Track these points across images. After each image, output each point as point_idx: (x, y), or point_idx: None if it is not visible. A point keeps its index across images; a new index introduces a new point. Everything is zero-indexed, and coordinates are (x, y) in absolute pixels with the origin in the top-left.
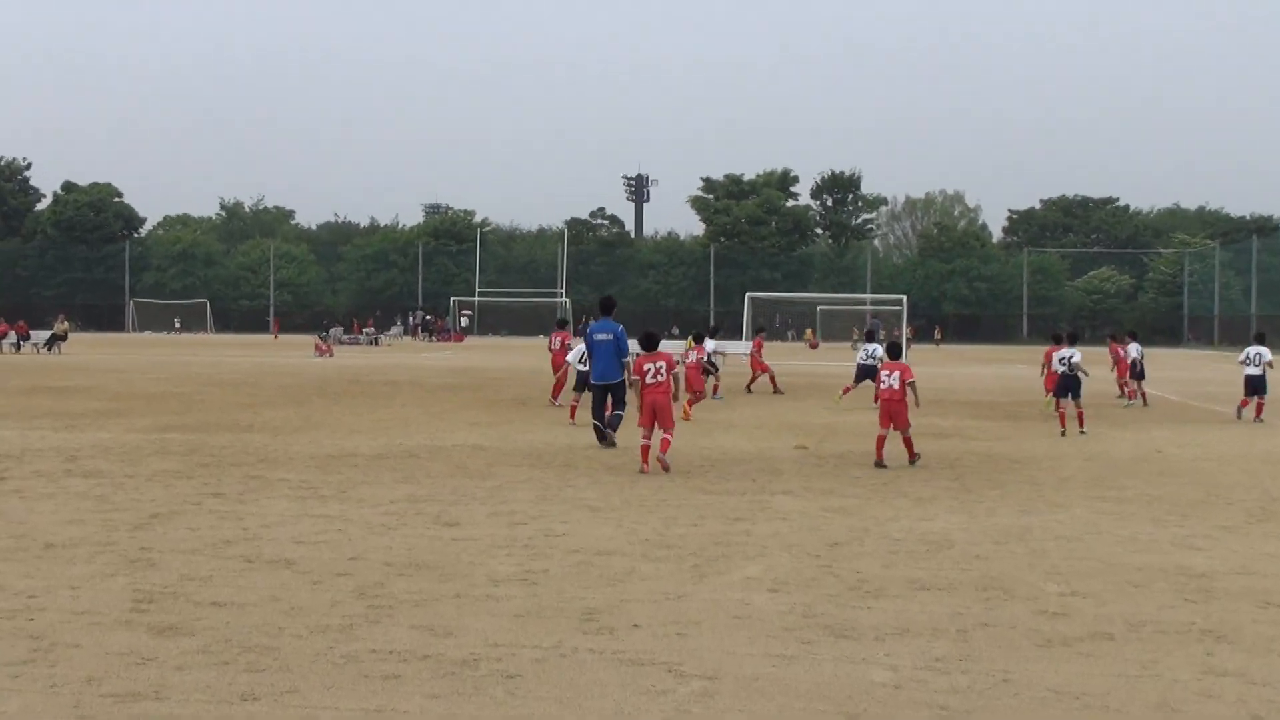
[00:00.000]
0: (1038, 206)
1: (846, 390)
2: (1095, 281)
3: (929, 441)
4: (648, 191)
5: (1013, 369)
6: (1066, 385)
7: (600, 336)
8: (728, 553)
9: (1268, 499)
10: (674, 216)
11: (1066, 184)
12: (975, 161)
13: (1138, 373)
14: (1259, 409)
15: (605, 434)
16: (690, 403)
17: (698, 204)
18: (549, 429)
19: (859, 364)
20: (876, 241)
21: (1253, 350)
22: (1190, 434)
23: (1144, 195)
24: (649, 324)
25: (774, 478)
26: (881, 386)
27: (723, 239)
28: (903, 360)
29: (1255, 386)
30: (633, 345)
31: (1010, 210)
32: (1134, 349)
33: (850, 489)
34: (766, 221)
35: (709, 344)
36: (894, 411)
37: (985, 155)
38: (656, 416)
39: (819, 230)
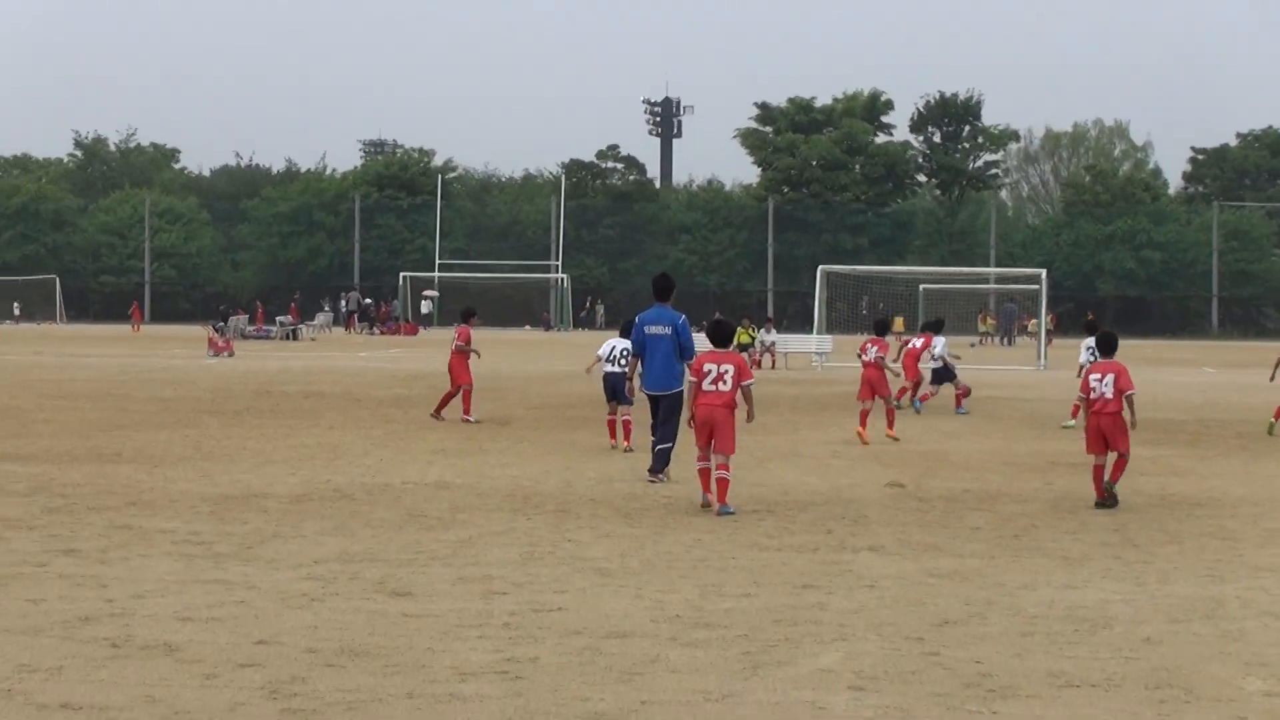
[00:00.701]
0: (1233, 143)
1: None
2: None
3: (1078, 477)
4: (679, 123)
5: (1199, 374)
6: None
7: (654, 330)
8: (792, 635)
9: None
10: (717, 157)
11: (1275, 112)
12: (1143, 80)
13: None
14: None
15: (655, 470)
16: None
17: (750, 140)
18: (540, 459)
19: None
20: (1004, 193)
21: None
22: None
23: None
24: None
25: (857, 528)
26: (1093, 395)
27: (786, 189)
28: (1116, 359)
29: None
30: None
31: (1194, 149)
32: None
33: (966, 544)
34: (848, 165)
35: (938, 341)
36: (1108, 430)
37: (1157, 71)
38: (714, 435)
39: (922, 178)
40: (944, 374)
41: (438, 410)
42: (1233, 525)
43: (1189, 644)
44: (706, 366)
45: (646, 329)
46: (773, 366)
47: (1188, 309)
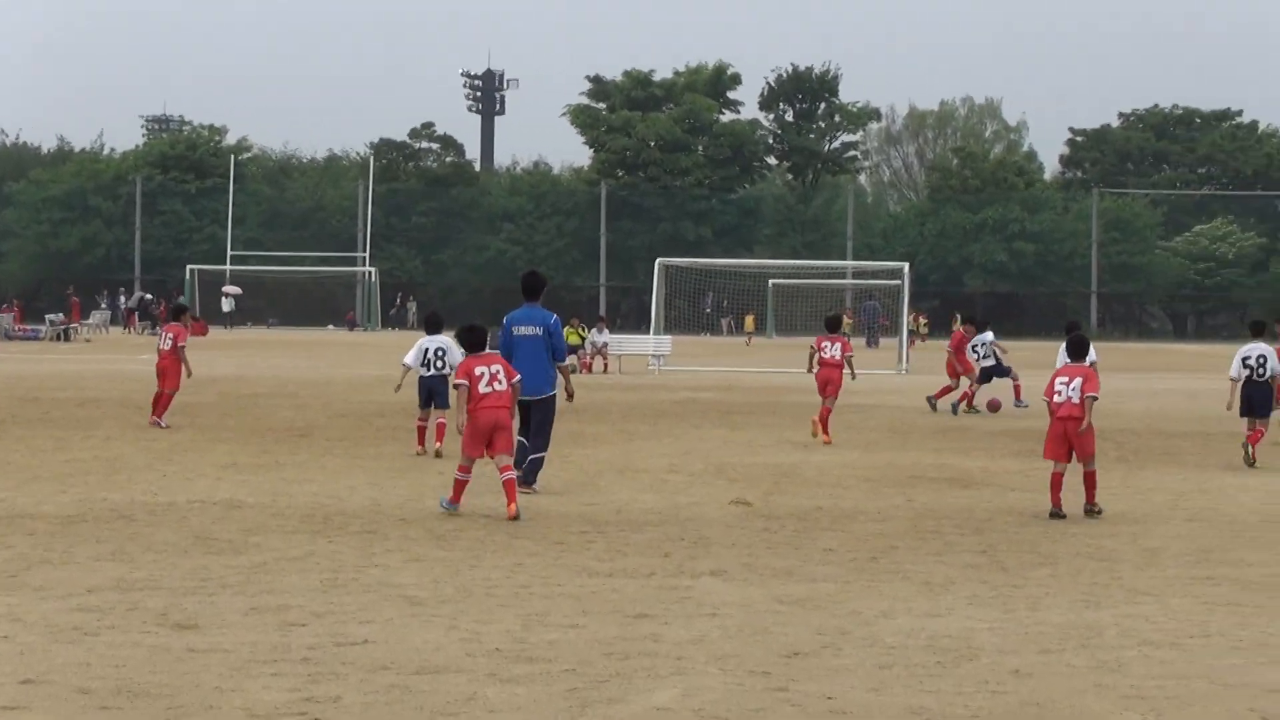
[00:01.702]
0: (1115, 124)
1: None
2: (1203, 241)
3: (943, 492)
4: (502, 99)
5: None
6: (1253, 398)
7: (524, 330)
8: (625, 669)
9: None
10: (544, 137)
11: (1159, 90)
12: (1017, 55)
13: None
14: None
15: (526, 481)
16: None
17: (581, 118)
18: (344, 474)
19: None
20: (863, 178)
21: (1252, 350)
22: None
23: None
24: (500, 304)
25: (697, 550)
26: (1057, 399)
27: (620, 173)
28: (1089, 361)
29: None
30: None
31: (1072, 130)
32: None
33: (818, 568)
34: (690, 146)
35: (987, 334)
36: (1074, 435)
37: (1031, 44)
38: (494, 439)
39: (772, 160)
40: (998, 370)
41: (157, 415)
42: (1111, 545)
43: (1062, 676)
44: (478, 370)
45: (515, 330)
46: (605, 370)
47: (1064, 306)
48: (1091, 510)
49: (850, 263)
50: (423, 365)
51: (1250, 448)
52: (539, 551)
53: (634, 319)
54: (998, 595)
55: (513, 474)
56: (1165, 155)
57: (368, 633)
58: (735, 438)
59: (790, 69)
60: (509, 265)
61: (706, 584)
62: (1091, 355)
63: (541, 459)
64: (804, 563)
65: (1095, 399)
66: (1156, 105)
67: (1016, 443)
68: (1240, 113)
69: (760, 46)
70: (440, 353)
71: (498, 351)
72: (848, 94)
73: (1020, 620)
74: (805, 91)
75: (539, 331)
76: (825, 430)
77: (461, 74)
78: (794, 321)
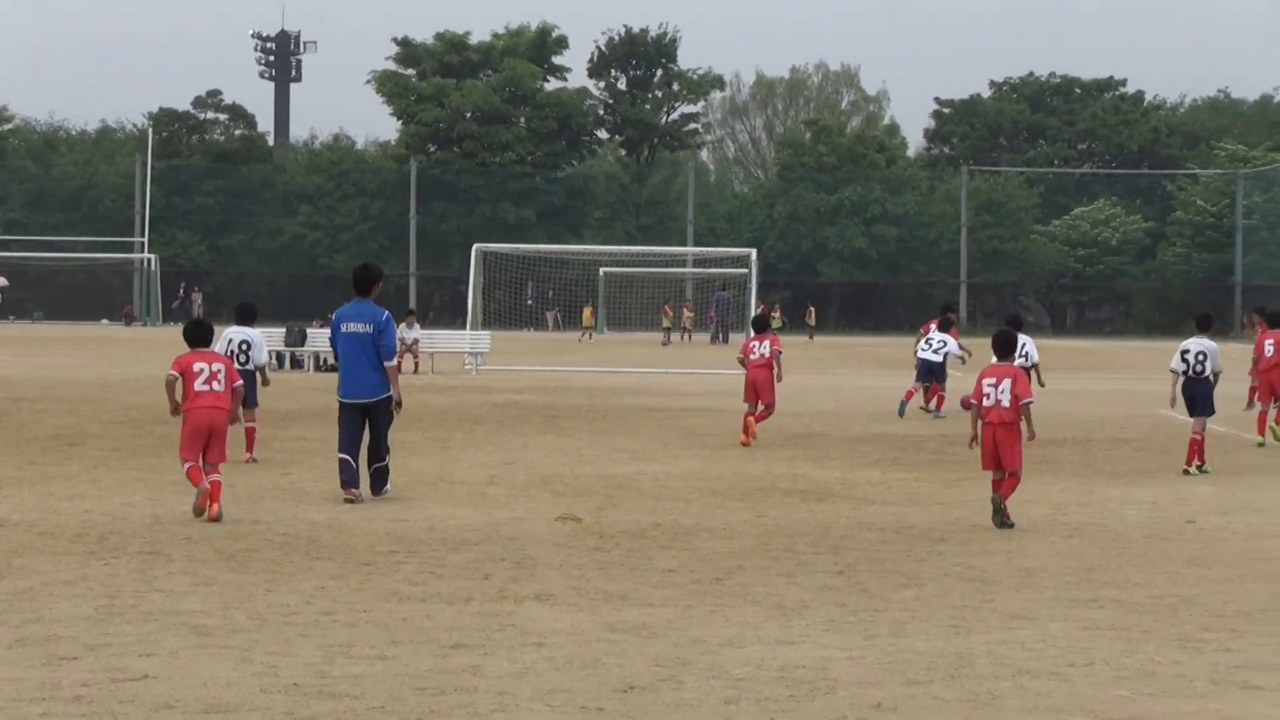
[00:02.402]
0: (986, 94)
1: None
2: (1083, 225)
3: (795, 506)
4: (299, 63)
5: (949, 380)
6: (1194, 396)
7: (353, 328)
8: (440, 706)
9: None
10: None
11: (1036, 57)
12: (877, 17)
13: None
14: (1194, 446)
15: (354, 485)
16: (758, 418)
17: (388, 85)
18: (121, 488)
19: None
20: (705, 154)
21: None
22: (1247, 491)
23: (1168, 78)
24: (298, 296)
25: (521, 572)
26: (986, 403)
27: (432, 148)
28: (1015, 361)
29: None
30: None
31: (939, 101)
32: None
33: (656, 591)
34: (510, 117)
35: (949, 341)
36: (1001, 442)
37: (893, 7)
38: (210, 444)
39: (604, 134)
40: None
41: None
42: (983, 564)
43: (929, 710)
44: (196, 365)
45: (343, 327)
46: (415, 370)
47: (930, 298)
48: (999, 504)
49: (691, 249)
50: (239, 359)
51: (1197, 468)
52: (343, 574)
53: (448, 312)
54: (857, 620)
55: (219, 476)
56: (1042, 129)
57: (149, 667)
58: (563, 445)
59: (623, 31)
60: (307, 252)
61: (531, 610)
62: (1032, 355)
63: (386, 466)
64: (640, 585)
65: (1030, 404)
66: (1032, 74)
67: (876, 451)
68: (1124, 82)
69: (589, 5)
70: (245, 346)
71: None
72: (687, 60)
73: (883, 648)
74: (640, 57)
75: (369, 329)
76: (746, 431)
77: (252, 35)
78: (628, 315)
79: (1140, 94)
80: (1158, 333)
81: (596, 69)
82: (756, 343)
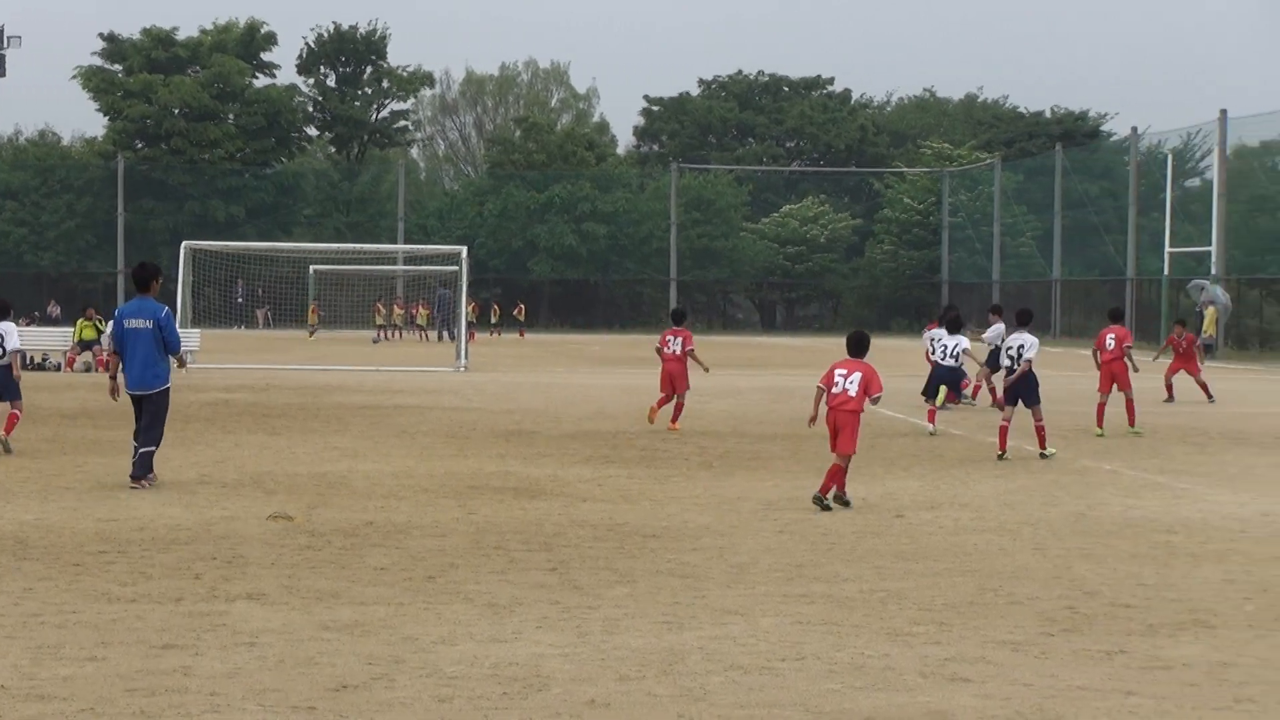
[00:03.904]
0: (695, 92)
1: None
2: (792, 223)
3: (508, 504)
4: (1, 57)
5: (653, 377)
6: (1014, 388)
7: (134, 324)
8: (151, 707)
9: (1078, 594)
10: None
11: (743, 55)
12: (586, 14)
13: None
14: (1038, 434)
15: (136, 475)
16: (675, 411)
17: (94, 81)
18: None
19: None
20: (415, 151)
21: (1014, 340)
22: (954, 486)
23: (876, 76)
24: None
25: (232, 571)
26: (835, 390)
27: (140, 144)
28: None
29: (1018, 393)
30: None
31: (648, 99)
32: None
33: (369, 590)
34: (219, 114)
35: (961, 340)
36: (842, 425)
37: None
38: None
39: (313, 131)
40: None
41: None
42: (694, 561)
43: (642, 706)
44: None
45: (126, 323)
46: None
47: (641, 296)
48: (834, 497)
49: (401, 246)
50: None
51: (1001, 442)
52: (50, 575)
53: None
54: (570, 617)
55: None
56: (750, 127)
57: None
58: (274, 444)
59: (332, 28)
60: (11, 250)
61: (243, 609)
62: (962, 342)
63: (153, 453)
64: (352, 584)
65: (879, 398)
66: (740, 72)
67: (588, 448)
68: (832, 81)
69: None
70: None
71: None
72: (397, 57)
73: (596, 645)
74: (349, 54)
75: (149, 325)
76: (653, 414)
77: None
78: (339, 313)
79: (847, 93)
80: (866, 329)
81: (306, 66)
82: (672, 337)
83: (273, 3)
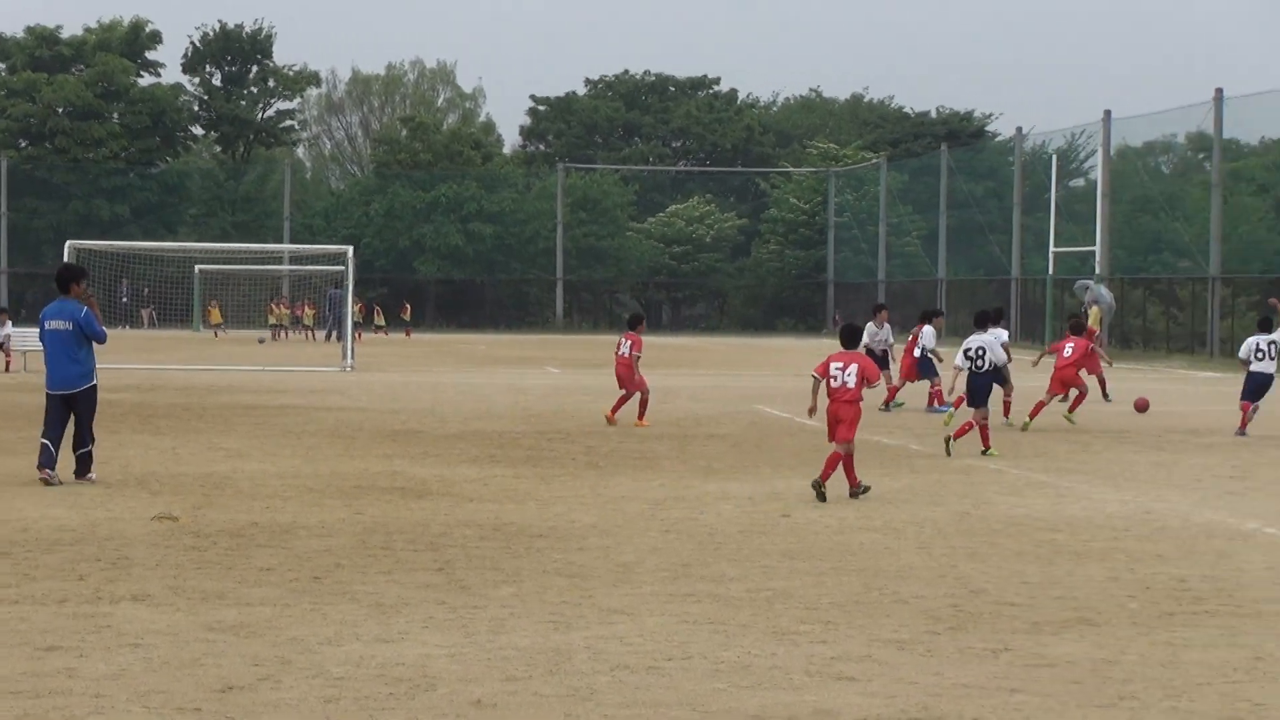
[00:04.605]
0: (580, 92)
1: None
2: (678, 223)
3: (394, 504)
4: None
5: (542, 375)
6: (972, 389)
7: (54, 325)
8: (35, 710)
9: (963, 593)
10: None
11: (630, 55)
12: (472, 13)
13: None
14: (983, 432)
15: (49, 466)
16: (637, 409)
17: None
18: None
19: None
20: (301, 151)
21: (973, 340)
22: (840, 485)
23: (762, 76)
24: None
25: (117, 572)
26: (833, 383)
27: (24, 143)
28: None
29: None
30: None
31: (534, 98)
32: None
33: (254, 590)
34: (103, 113)
35: (927, 331)
36: (845, 417)
37: (488, 4)
38: None
39: (199, 130)
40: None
41: None
42: (581, 560)
43: (529, 706)
44: None
45: (47, 324)
46: (7, 369)
47: (528, 296)
48: (820, 487)
49: (287, 246)
50: None
51: (952, 440)
52: None
53: (41, 310)
54: (457, 617)
55: None
56: (637, 127)
57: None
58: (159, 444)
59: (218, 27)
60: None
61: (127, 610)
62: (1001, 334)
63: (90, 452)
64: (238, 585)
65: (875, 386)
66: (627, 71)
67: (474, 448)
68: (718, 80)
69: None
70: None
71: None
72: (283, 56)
73: (482, 645)
74: (235, 53)
75: (69, 326)
76: (613, 413)
77: None
78: (226, 312)
79: (734, 93)
80: (752, 329)
81: (191, 65)
82: (623, 340)
83: (158, 1)
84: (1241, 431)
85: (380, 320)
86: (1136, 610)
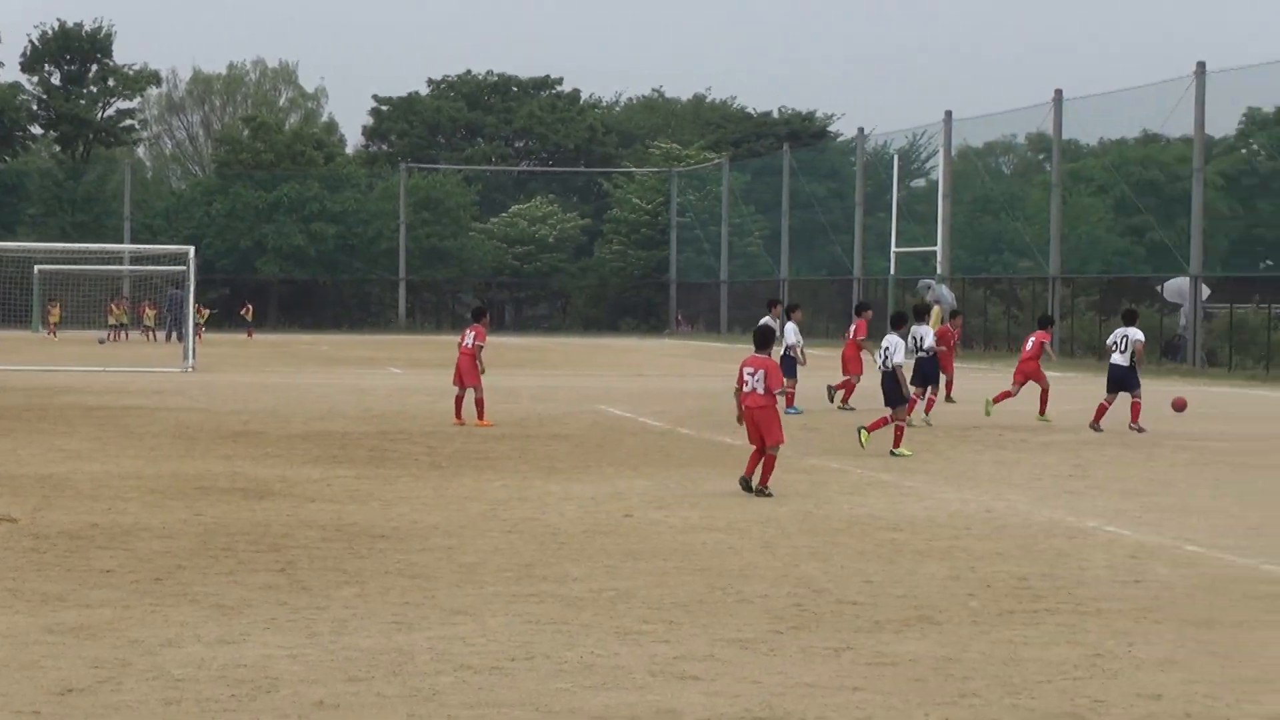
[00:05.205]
0: (424, 92)
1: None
2: (521, 223)
3: (235, 505)
4: None
5: (385, 376)
6: (882, 388)
7: None
8: None
9: (806, 592)
10: None
11: (472, 55)
12: (313, 13)
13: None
14: (896, 431)
15: None
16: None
17: None
18: None
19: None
20: (142, 151)
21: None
22: (683, 485)
23: (604, 76)
24: None
25: None
26: (746, 389)
27: None
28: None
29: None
30: None
31: (377, 98)
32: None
33: (94, 592)
34: None
35: (789, 328)
36: (761, 421)
37: (330, 5)
38: None
39: (38, 129)
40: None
41: None
42: (423, 561)
43: (371, 707)
44: None
45: None
46: None
47: (370, 296)
48: (763, 492)
49: (128, 246)
50: None
51: (865, 432)
52: None
53: None
54: (299, 618)
55: None
56: (479, 127)
57: None
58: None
59: (57, 25)
60: None
61: None
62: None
63: None
64: (78, 586)
65: (782, 392)
66: (470, 72)
67: (316, 449)
68: (561, 81)
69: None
70: None
71: None
72: (123, 55)
73: (325, 646)
74: (74, 52)
75: None
76: (459, 415)
77: None
78: (66, 313)
79: (576, 93)
80: (595, 329)
81: (29, 63)
82: (469, 332)
83: None
84: (1096, 426)
85: (200, 318)
86: (977, 608)
